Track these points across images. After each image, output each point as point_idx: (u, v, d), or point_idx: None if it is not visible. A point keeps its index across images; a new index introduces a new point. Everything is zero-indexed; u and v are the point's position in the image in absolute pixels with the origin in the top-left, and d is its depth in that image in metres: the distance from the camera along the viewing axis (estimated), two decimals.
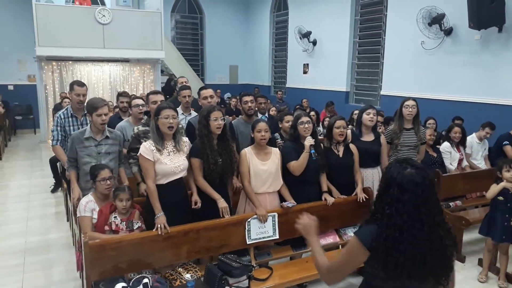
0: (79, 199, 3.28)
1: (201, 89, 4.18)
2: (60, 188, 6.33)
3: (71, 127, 4.10)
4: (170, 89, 11.38)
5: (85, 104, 3.67)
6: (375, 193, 4.05)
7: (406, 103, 4.23)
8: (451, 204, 4.68)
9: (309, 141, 3.42)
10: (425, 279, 1.63)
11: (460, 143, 5.19)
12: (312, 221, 1.94)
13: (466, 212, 4.63)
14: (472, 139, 5.39)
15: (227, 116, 6.98)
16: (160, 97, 3.89)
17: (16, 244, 4.56)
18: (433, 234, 1.61)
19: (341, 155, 3.76)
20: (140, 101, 4.27)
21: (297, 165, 3.44)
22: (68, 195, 4.62)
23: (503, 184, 3.68)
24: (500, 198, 3.70)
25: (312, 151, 3.41)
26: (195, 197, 3.21)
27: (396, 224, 1.59)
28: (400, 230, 1.58)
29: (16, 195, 6.33)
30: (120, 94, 5.64)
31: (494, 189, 3.73)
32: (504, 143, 5.40)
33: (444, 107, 7.03)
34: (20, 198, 6.18)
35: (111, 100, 9.05)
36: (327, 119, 7.96)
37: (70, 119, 4.13)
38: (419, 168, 1.66)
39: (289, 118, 4.19)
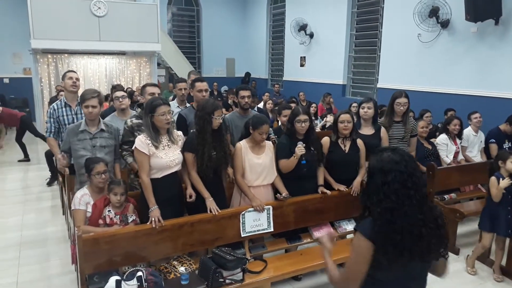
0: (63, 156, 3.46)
1: (196, 80, 4.05)
2: (56, 181, 6.32)
3: (65, 117, 4.08)
4: (248, 81, 13.18)
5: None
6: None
7: (398, 100, 4.20)
8: (445, 197, 4.69)
9: (300, 150, 3.35)
10: (426, 256, 1.65)
11: (457, 136, 5.18)
12: (330, 243, 1.93)
13: (460, 204, 4.64)
14: (468, 132, 5.35)
15: (223, 109, 6.97)
16: (156, 90, 3.86)
17: (11, 237, 4.56)
18: (424, 206, 1.64)
19: (347, 151, 3.70)
20: (120, 93, 4.24)
21: (285, 165, 3.46)
22: (64, 189, 4.61)
23: (506, 182, 3.55)
24: (503, 191, 3.62)
25: (304, 162, 3.41)
26: (190, 190, 3.19)
27: (387, 208, 1.61)
28: (391, 211, 1.60)
29: (12, 188, 6.32)
30: (114, 87, 5.59)
31: (499, 190, 3.57)
32: (490, 140, 5.33)
33: (440, 100, 7.02)
34: (16, 191, 6.17)
35: (109, 92, 9.01)
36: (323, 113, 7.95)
37: (63, 109, 4.10)
38: (395, 149, 1.71)
39: (287, 112, 4.09)
